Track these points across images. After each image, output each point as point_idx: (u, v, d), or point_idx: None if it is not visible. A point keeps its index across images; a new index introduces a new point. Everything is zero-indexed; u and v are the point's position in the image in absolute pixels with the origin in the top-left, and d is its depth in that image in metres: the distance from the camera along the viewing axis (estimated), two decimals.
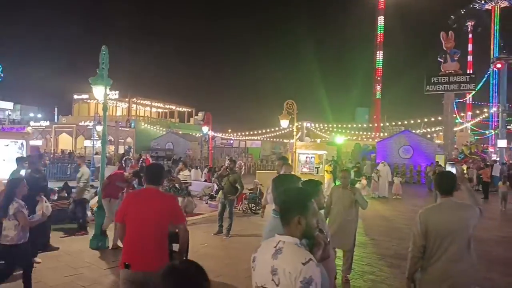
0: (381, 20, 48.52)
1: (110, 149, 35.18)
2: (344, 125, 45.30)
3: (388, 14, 49.32)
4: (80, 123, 40.73)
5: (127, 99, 47.14)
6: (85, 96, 47.36)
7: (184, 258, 3.67)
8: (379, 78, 48.68)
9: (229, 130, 49.51)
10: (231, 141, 42.65)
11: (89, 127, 33.99)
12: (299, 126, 35.64)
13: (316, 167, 17.22)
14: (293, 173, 6.06)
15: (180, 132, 43.40)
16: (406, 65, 75.28)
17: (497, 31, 49.98)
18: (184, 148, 35.32)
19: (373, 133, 43.89)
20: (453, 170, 13.50)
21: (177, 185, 7.08)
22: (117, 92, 47.11)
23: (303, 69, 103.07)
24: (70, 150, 33.51)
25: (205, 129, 23.14)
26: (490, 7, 51.72)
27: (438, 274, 3.27)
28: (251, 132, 44.67)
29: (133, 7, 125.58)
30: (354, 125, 46.97)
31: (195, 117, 53.04)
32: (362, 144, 36.37)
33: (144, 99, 50.33)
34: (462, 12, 55.64)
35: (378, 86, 48.18)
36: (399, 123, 39.98)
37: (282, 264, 1.86)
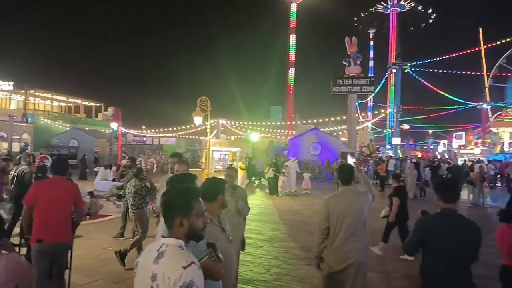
0: (293, 39, 49.19)
1: (3, 146, 31.40)
2: (259, 123, 46.41)
3: (300, 18, 51.30)
4: None
5: (23, 91, 42.27)
6: None
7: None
8: (291, 91, 50.14)
9: (143, 127, 47.54)
10: (144, 138, 40.89)
11: None
12: (214, 123, 35.65)
13: (230, 164, 17.30)
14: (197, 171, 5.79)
15: (87, 128, 40.35)
16: (317, 66, 79.78)
17: (395, 35, 54.38)
18: (91, 145, 32.91)
19: (286, 131, 45.68)
20: (352, 161, 14.73)
21: (148, 184, 7.38)
22: (11, 83, 42.11)
23: (219, 67, 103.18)
24: None
25: (114, 125, 21.81)
26: (389, 12, 56.05)
27: (340, 253, 3.73)
28: (166, 129, 43.43)
29: None
30: (269, 123, 48.41)
31: (104, 112, 49.78)
32: (276, 141, 37.64)
33: (44, 91, 45.62)
34: (363, 15, 59.73)
35: (291, 91, 50.08)
36: (310, 121, 42.24)
37: (162, 269, 1.75)
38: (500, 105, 50.27)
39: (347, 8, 64.63)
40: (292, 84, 49.30)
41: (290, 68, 49.21)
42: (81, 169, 21.59)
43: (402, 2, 53.79)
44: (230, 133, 43.09)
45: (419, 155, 43.48)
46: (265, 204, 14.66)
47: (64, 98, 49.92)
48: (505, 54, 56.60)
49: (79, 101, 51.57)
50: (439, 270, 3.09)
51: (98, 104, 52.64)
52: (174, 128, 42.52)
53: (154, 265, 1.79)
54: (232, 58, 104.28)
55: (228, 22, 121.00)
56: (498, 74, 56.85)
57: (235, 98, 60.74)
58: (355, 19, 59.93)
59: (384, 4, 55.43)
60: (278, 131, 48.43)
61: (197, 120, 14.41)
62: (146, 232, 6.92)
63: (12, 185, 7.36)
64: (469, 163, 20.85)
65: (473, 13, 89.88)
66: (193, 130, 38.92)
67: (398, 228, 7.71)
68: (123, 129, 30.44)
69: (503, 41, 42.09)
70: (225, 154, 17.14)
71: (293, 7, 48.92)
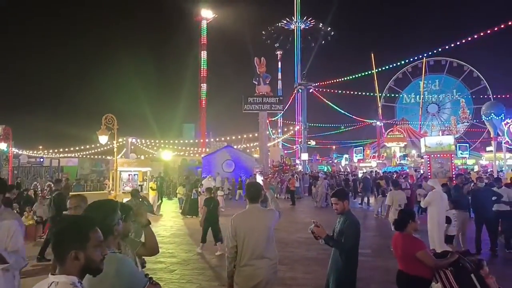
0: (204, 54, 48.71)
1: None
2: (172, 141, 45.28)
3: (210, 37, 51.72)
4: None
5: None
6: None
7: None
8: (203, 103, 49.70)
9: (40, 147, 43.17)
10: (42, 160, 36.93)
11: None
12: (123, 142, 33.82)
13: (139, 185, 16.45)
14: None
15: None
16: (229, 84, 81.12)
17: (299, 53, 56.80)
18: None
19: (199, 149, 45.29)
20: (260, 180, 15.12)
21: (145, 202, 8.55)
22: None
23: (128, 85, 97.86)
24: None
25: (3, 145, 19.38)
26: (293, 27, 58.45)
27: (248, 271, 3.71)
28: (67, 149, 39.93)
29: None
30: (181, 141, 47.51)
31: None
32: (189, 159, 37.04)
33: None
34: (269, 29, 61.47)
35: (203, 102, 49.66)
36: (223, 138, 42.51)
37: None
38: (390, 122, 56.59)
39: (257, 28, 66.69)
40: (204, 98, 48.92)
41: (202, 84, 48.79)
42: None
43: (304, 19, 57.11)
44: (141, 152, 41.26)
45: (325, 169, 46.61)
46: (178, 225, 14.19)
47: None
48: (393, 77, 64.36)
49: None
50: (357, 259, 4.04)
51: None
52: (77, 148, 39.30)
53: None
54: (142, 76, 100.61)
55: (137, 39, 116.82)
56: (388, 95, 64.23)
57: (146, 116, 58.28)
58: (263, 32, 61.70)
59: (288, 20, 58.15)
60: (191, 149, 47.76)
61: (102, 139, 13.49)
62: None
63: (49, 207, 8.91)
64: (368, 175, 22.92)
65: (367, 37, 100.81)
66: (98, 150, 36.43)
67: (211, 229, 9.24)
68: (15, 150, 27.21)
69: (391, 66, 47.64)
70: (134, 175, 16.27)
71: (204, 24, 49.24)
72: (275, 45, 63.27)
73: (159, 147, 42.14)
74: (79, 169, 30.61)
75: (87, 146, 38.74)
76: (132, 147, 38.57)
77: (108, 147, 29.22)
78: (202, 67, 48.73)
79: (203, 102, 48.85)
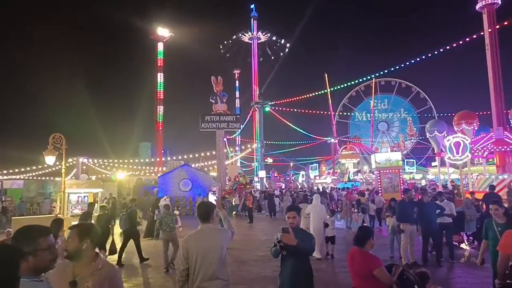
0: (160, 77, 47.30)
1: None
2: (126, 160, 43.92)
3: (168, 56, 50.98)
4: None
5: None
6: None
7: None
8: (160, 127, 48.40)
9: None
10: None
11: None
12: (73, 162, 32.34)
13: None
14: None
15: None
16: (186, 103, 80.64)
17: (256, 68, 56.46)
18: None
19: (156, 168, 44.25)
20: (213, 199, 15.01)
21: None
22: None
23: (80, 104, 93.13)
24: None
25: None
26: (249, 41, 58.35)
27: None
28: (11, 171, 37.51)
29: None
30: (137, 160, 46.19)
31: None
32: (145, 179, 36.01)
33: None
34: (226, 42, 60.07)
35: (160, 128, 48.53)
36: (180, 157, 41.81)
37: None
38: (344, 139, 58.63)
39: (215, 47, 66.09)
40: (160, 121, 47.96)
41: (159, 106, 47.71)
42: None
43: (260, 33, 57.29)
44: (94, 172, 39.61)
45: (283, 186, 47.11)
46: (131, 246, 13.60)
47: None
48: (347, 95, 67.10)
49: None
50: None
51: None
52: (22, 169, 37.02)
53: None
54: (95, 95, 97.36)
55: (88, 56, 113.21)
56: (341, 112, 66.72)
57: (100, 136, 55.92)
58: (220, 46, 60.44)
59: (245, 33, 57.88)
60: (148, 168, 46.48)
61: (49, 159, 12.82)
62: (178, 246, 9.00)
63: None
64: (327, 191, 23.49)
65: (322, 57, 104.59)
66: (46, 171, 34.54)
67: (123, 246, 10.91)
68: None
69: (343, 86, 49.52)
70: (84, 196, 15.53)
71: (160, 46, 48.15)
72: (228, 56, 61.77)
73: (113, 166, 40.74)
74: (24, 191, 28.70)
75: (33, 167, 36.67)
76: (84, 167, 36.93)
77: (57, 167, 27.82)
78: (158, 87, 47.68)
79: (160, 121, 47.76)
